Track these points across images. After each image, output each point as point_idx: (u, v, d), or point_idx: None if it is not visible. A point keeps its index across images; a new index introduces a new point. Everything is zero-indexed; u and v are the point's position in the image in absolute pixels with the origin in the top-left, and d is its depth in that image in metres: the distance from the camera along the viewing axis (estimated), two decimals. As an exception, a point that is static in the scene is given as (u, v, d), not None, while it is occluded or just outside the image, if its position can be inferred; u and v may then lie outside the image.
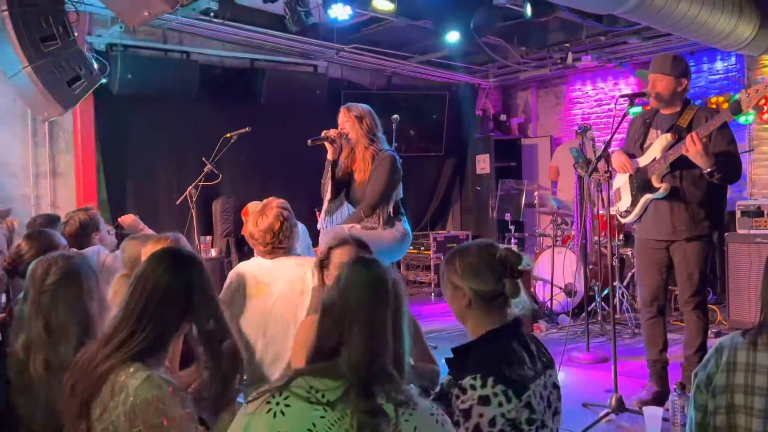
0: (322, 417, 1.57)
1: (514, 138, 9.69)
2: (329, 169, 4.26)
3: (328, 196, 4.24)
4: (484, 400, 1.88)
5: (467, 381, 1.90)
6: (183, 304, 1.95)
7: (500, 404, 1.88)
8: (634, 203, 4.29)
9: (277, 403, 1.60)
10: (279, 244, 3.15)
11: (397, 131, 5.71)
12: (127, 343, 1.85)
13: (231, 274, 3.24)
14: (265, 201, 3.26)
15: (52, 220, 4.37)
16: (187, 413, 1.80)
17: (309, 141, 4.04)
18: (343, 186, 4.35)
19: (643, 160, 4.22)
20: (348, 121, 4.20)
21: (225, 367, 2.01)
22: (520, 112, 9.91)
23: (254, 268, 3.17)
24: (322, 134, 4.21)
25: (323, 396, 1.60)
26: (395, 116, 5.64)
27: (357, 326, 1.64)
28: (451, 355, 2.05)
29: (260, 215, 3.17)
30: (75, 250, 3.37)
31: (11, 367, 2.16)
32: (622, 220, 4.44)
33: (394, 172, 4.12)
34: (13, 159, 6.63)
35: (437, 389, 2.02)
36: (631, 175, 4.29)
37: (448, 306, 2.16)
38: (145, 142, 7.28)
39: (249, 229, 3.17)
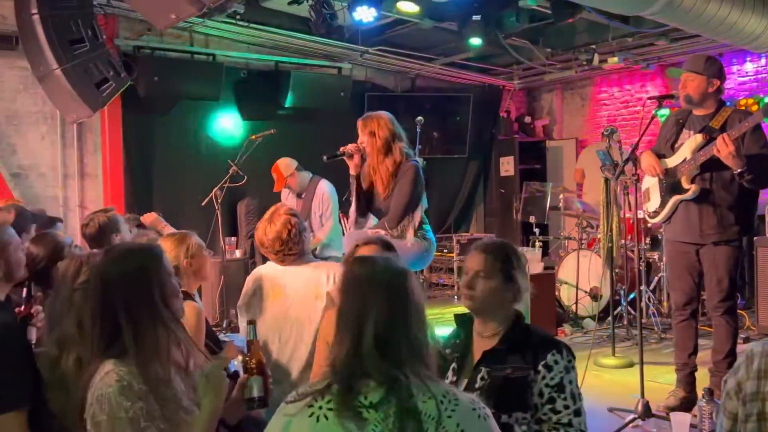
0: (365, 419, 1.55)
1: (538, 140, 9.67)
2: (353, 183, 4.23)
3: (353, 214, 4.20)
4: (567, 369, 2.23)
5: (550, 358, 2.21)
6: (132, 292, 1.91)
7: (573, 367, 2.26)
8: (663, 204, 4.22)
9: (320, 407, 1.59)
10: (289, 252, 3.13)
11: (420, 133, 5.73)
12: (97, 342, 1.89)
13: (248, 280, 3.25)
14: (272, 208, 3.22)
15: (51, 222, 4.51)
16: (136, 411, 1.79)
17: (325, 157, 4.06)
18: (370, 200, 4.30)
19: (672, 161, 4.15)
20: (364, 135, 4.16)
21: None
22: (545, 114, 9.85)
23: (270, 271, 3.19)
24: (339, 150, 4.18)
25: (365, 398, 1.58)
26: (419, 118, 5.63)
27: (366, 325, 1.61)
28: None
29: (268, 223, 3.13)
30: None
31: (43, 364, 2.19)
32: (651, 221, 4.38)
33: (417, 183, 4.08)
34: (42, 160, 6.74)
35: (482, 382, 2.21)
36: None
37: (478, 294, 2.28)
38: (171, 143, 7.35)
39: (258, 237, 3.15)
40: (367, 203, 4.27)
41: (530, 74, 9.08)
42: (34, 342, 2.47)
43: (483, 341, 2.35)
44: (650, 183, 4.33)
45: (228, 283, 6.26)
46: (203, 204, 5.99)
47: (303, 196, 5.67)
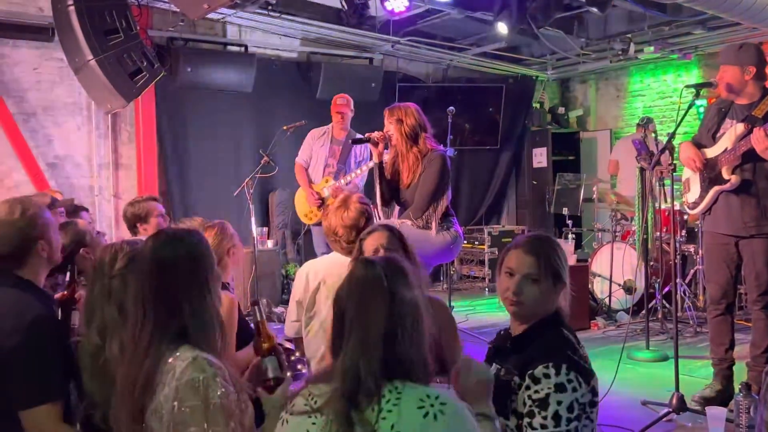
0: (314, 423, 1.59)
1: (572, 131, 9.54)
2: (375, 171, 4.28)
3: (378, 201, 4.23)
4: (560, 387, 1.92)
5: (540, 370, 1.94)
6: (187, 276, 1.92)
7: (574, 389, 1.92)
8: (702, 195, 4.12)
9: (286, 411, 1.66)
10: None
11: (452, 124, 5.80)
12: (150, 327, 1.88)
13: (305, 274, 3.10)
14: (341, 196, 3.15)
15: (76, 211, 4.53)
16: (231, 397, 1.81)
17: (350, 141, 4.27)
18: (395, 189, 4.32)
19: (712, 151, 4.05)
20: (390, 123, 4.19)
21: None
22: (579, 105, 9.73)
23: (329, 266, 3.00)
24: (366, 135, 4.26)
25: (316, 402, 1.61)
26: (450, 108, 5.68)
27: (353, 329, 1.61)
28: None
29: (344, 209, 3.03)
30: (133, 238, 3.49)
31: (84, 355, 2.18)
32: (691, 212, 4.30)
33: (444, 174, 4.08)
34: (77, 150, 6.79)
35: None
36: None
37: (527, 300, 2.10)
38: (204, 134, 7.38)
39: (332, 224, 3.02)
40: (390, 193, 4.30)
41: (564, 64, 8.94)
42: (76, 326, 2.47)
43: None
44: (690, 173, 4.21)
45: (259, 273, 6.29)
46: (235, 194, 6.04)
47: (342, 140, 5.80)
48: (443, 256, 4.25)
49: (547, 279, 2.09)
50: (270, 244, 7.11)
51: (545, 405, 1.93)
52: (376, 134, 4.24)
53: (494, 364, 2.14)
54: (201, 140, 7.37)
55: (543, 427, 1.91)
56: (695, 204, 4.17)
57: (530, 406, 1.95)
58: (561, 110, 9.64)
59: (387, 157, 4.39)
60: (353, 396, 1.56)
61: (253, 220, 5.94)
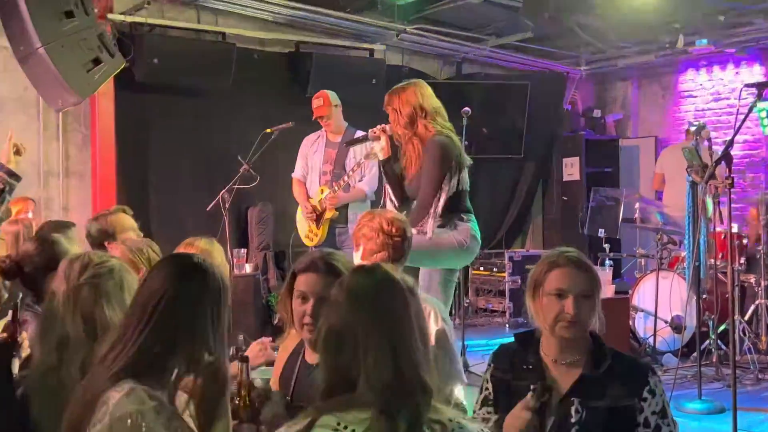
0: None
1: (609, 138, 9.50)
2: (382, 171, 4.33)
3: (390, 201, 4.30)
4: (662, 390, 2.39)
5: (653, 382, 2.37)
6: (180, 320, 1.98)
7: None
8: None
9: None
10: (397, 255, 3.13)
11: (467, 128, 5.70)
12: (119, 358, 1.92)
13: None
14: (375, 210, 3.32)
15: (62, 226, 4.41)
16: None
17: (345, 143, 4.36)
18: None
19: None
20: (389, 111, 4.26)
21: (210, 394, 2.02)
22: (618, 107, 9.71)
23: None
24: (361, 135, 4.43)
25: (353, 431, 1.68)
26: (466, 110, 5.66)
27: (374, 345, 1.70)
28: None
29: (370, 220, 3.13)
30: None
31: (33, 379, 2.22)
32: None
33: (442, 161, 4.11)
34: (21, 155, 6.90)
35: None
36: None
37: (585, 319, 2.34)
38: (172, 137, 7.35)
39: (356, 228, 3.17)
40: (402, 191, 4.35)
41: (600, 59, 8.94)
42: (15, 374, 2.46)
43: (562, 368, 2.41)
44: None
45: (235, 302, 5.75)
46: (208, 209, 5.98)
47: (339, 140, 5.83)
48: (455, 260, 4.21)
49: (596, 294, 2.38)
50: (249, 268, 6.95)
51: (665, 413, 2.38)
52: (374, 130, 4.30)
53: (573, 399, 2.32)
54: (168, 144, 7.33)
55: None
56: None
57: (656, 420, 2.35)
58: (597, 113, 9.58)
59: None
60: (401, 413, 1.67)
61: (228, 239, 5.88)
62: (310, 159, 6.00)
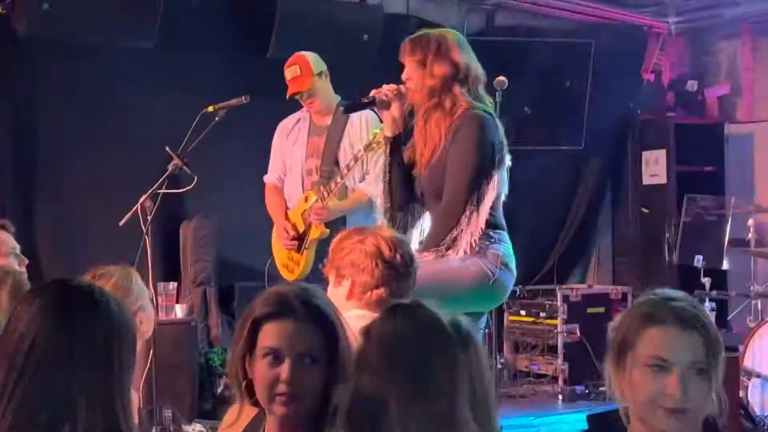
0: None
1: (711, 123, 9.29)
2: (387, 154, 4.40)
3: (384, 203, 4.40)
4: None
5: None
6: (61, 374, 2.03)
7: None
8: None
9: None
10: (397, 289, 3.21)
11: (502, 106, 5.41)
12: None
13: None
14: (364, 228, 3.40)
15: None
16: None
17: (343, 109, 4.47)
18: (411, 180, 4.44)
19: None
20: (410, 64, 4.29)
21: None
22: (723, 78, 9.53)
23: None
24: (363, 98, 4.37)
25: None
26: (500, 79, 5.46)
27: (417, 416, 1.84)
28: None
29: (360, 241, 3.25)
30: None
31: None
32: None
33: (484, 146, 4.17)
34: None
35: None
36: None
37: (694, 401, 2.31)
38: (68, 120, 7.29)
39: (344, 258, 3.27)
40: (407, 185, 4.41)
41: (697, 7, 8.89)
42: None
43: None
44: None
45: (161, 360, 6.06)
46: (122, 224, 5.90)
47: (329, 123, 5.94)
48: (480, 301, 4.26)
49: (715, 365, 2.30)
50: (180, 311, 6.96)
51: None
52: (384, 90, 4.30)
53: None
54: (63, 131, 7.26)
55: None
56: None
57: None
58: (692, 86, 9.37)
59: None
60: None
61: (150, 269, 5.81)
62: (289, 153, 6.05)
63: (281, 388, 2.36)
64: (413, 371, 1.83)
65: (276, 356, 2.39)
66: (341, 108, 4.90)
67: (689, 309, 2.30)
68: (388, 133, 4.32)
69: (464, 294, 4.07)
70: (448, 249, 4.14)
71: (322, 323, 2.37)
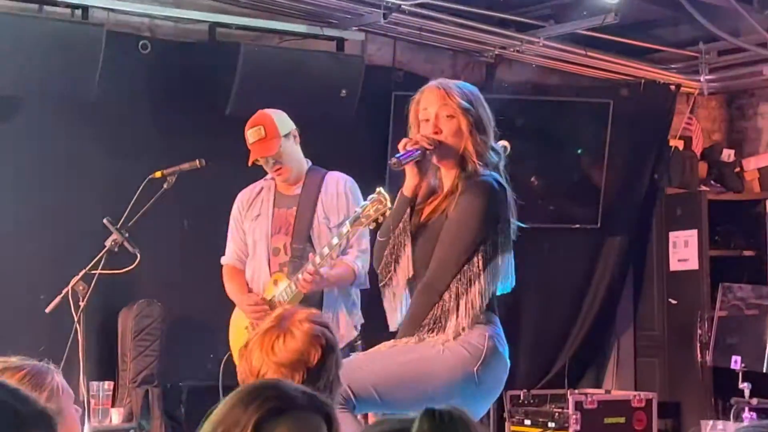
0: None
1: (750, 199, 9.02)
2: (395, 220, 4.30)
3: (401, 274, 4.25)
4: None
5: None
6: None
7: None
8: None
9: None
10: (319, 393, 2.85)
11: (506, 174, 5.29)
12: None
13: None
14: (277, 310, 3.35)
15: None
16: None
17: (393, 160, 4.20)
18: None
19: None
20: (445, 110, 4.17)
21: None
22: (764, 147, 9.27)
23: None
24: (413, 147, 4.17)
25: None
26: (502, 143, 5.22)
27: None
28: None
29: (279, 333, 3.17)
30: None
31: None
32: None
33: (488, 210, 4.16)
34: None
35: None
36: None
37: None
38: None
39: (254, 364, 3.17)
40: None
41: (734, 63, 8.38)
42: None
43: None
44: None
45: None
46: (48, 310, 5.88)
47: (299, 192, 5.87)
48: (468, 400, 4.01)
49: None
50: (117, 416, 6.81)
51: None
52: (420, 138, 4.17)
53: None
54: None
55: None
56: None
57: None
58: (728, 155, 9.14)
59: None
60: None
61: (81, 365, 5.81)
62: (251, 229, 5.91)
63: None
64: None
65: None
66: (392, 162, 4.58)
67: None
68: (408, 194, 4.33)
69: (443, 389, 4.01)
70: (430, 332, 4.13)
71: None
